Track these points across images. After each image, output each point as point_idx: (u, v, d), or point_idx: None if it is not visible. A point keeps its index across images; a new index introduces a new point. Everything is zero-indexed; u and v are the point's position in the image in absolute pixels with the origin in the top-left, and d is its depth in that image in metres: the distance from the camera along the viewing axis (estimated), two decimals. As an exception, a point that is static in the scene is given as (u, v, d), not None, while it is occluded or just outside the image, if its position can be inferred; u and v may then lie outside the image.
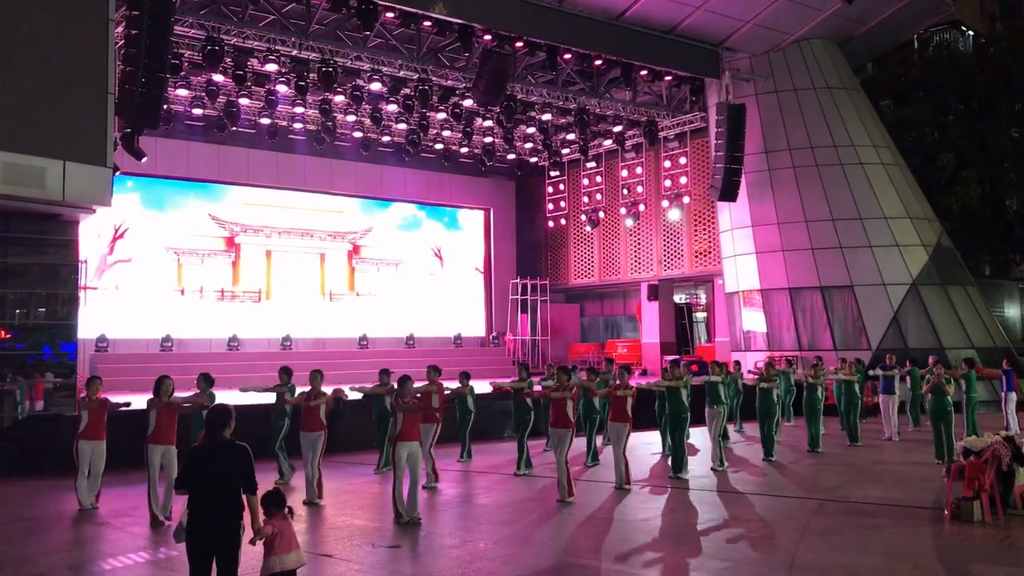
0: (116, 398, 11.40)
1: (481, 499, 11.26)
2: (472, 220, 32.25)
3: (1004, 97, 30.17)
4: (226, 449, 5.60)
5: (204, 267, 26.05)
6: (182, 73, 20.12)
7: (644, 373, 27.75)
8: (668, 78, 24.56)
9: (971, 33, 37.60)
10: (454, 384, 13.94)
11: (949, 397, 13.08)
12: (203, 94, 21.78)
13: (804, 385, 15.57)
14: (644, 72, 23.58)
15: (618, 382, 11.89)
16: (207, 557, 5.45)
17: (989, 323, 23.60)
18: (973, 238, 30.74)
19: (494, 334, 31.27)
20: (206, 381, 11.42)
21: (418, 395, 10.47)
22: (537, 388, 14.00)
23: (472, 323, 31.35)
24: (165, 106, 19.08)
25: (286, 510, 5.97)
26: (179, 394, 10.53)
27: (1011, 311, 36.28)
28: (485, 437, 16.47)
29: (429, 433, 11.81)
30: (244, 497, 5.60)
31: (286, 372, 12.65)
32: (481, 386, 14.73)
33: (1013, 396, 16.63)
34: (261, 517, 5.74)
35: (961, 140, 29.93)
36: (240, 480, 5.55)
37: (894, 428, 16.40)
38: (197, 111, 22.90)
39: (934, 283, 22.85)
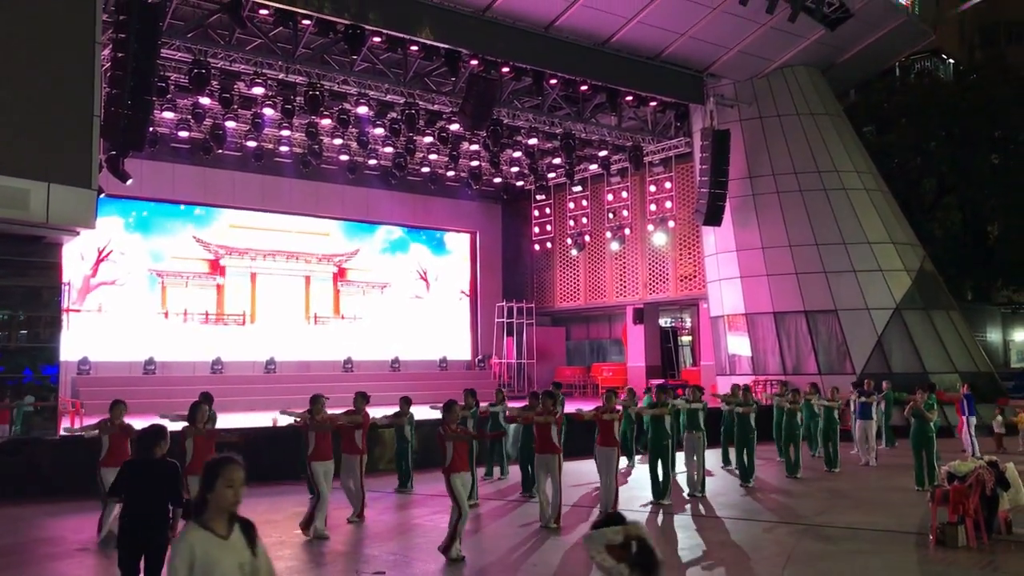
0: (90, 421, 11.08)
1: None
2: (458, 243, 32.29)
3: (985, 124, 30.57)
4: (157, 465, 6.30)
5: (188, 290, 25.93)
6: (168, 96, 20.12)
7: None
8: (653, 104, 24.77)
9: (952, 61, 38.14)
10: (394, 409, 13.24)
11: (931, 424, 13.10)
12: (189, 117, 21.81)
13: (783, 411, 15.53)
14: (629, 98, 23.75)
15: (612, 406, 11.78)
16: (137, 557, 6.07)
17: (972, 348, 23.75)
18: (955, 263, 31.04)
19: (480, 357, 31.21)
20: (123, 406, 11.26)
21: (458, 425, 9.64)
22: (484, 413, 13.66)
23: (458, 346, 31.29)
24: (151, 129, 19.07)
25: None
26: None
27: (993, 336, 36.57)
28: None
29: (354, 467, 11.01)
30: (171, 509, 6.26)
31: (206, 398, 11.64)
32: (421, 411, 13.68)
33: (973, 420, 16.80)
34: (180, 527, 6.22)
35: (943, 166, 30.28)
36: (168, 492, 6.21)
37: (872, 454, 16.38)
38: (183, 134, 22.88)
39: (917, 308, 23.00)
